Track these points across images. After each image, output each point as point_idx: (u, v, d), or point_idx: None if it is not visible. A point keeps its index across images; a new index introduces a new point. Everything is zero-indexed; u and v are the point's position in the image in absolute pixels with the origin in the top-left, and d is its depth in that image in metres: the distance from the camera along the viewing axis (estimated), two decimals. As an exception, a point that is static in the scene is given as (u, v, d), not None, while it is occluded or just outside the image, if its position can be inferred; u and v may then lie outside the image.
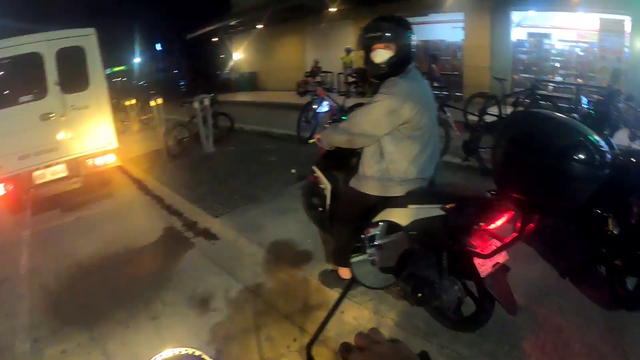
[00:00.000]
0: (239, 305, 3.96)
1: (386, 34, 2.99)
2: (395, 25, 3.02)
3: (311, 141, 3.80)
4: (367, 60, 3.15)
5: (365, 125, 3.08)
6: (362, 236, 1.76)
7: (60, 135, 6.71)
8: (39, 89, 6.51)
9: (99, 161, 7.16)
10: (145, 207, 7.01)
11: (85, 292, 4.46)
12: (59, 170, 6.81)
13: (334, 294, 3.86)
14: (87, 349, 3.54)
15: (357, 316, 3.56)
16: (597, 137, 2.11)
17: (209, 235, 5.51)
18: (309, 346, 1.34)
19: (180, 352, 1.08)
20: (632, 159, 3.39)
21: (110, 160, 7.28)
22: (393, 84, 3.01)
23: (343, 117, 4.29)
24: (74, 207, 7.02)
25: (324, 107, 9.14)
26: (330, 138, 3.46)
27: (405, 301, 3.36)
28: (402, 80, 3.03)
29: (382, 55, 3.03)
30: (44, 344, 3.66)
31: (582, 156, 2.04)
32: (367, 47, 3.11)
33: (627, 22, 10.50)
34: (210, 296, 4.14)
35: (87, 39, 6.79)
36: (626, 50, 10.74)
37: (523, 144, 2.22)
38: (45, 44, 6.39)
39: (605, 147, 2.10)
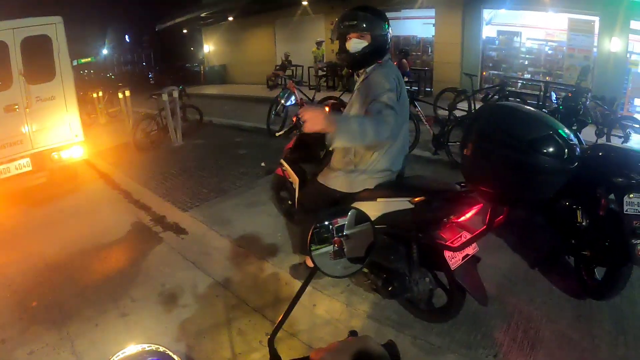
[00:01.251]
0: (209, 300, 3.92)
1: (361, 24, 2.98)
2: (371, 15, 3.01)
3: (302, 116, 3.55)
4: (342, 49, 3.14)
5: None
6: (324, 225, 1.73)
7: (25, 128, 6.49)
8: (3, 79, 6.27)
9: (65, 155, 6.96)
10: (113, 201, 6.87)
11: (52, 290, 4.33)
12: (24, 165, 6.60)
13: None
14: (56, 349, 3.44)
15: (328, 309, 3.56)
16: (566, 131, 2.13)
17: (178, 229, 5.44)
18: (271, 338, 1.32)
19: (144, 348, 1.06)
20: (599, 153, 3.46)
21: (76, 153, 7.09)
22: (385, 65, 3.03)
23: None
24: (40, 203, 6.84)
25: (291, 100, 9.14)
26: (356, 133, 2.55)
27: (377, 293, 3.38)
28: (383, 67, 3.03)
29: (356, 44, 3.01)
30: (12, 344, 3.54)
31: (551, 149, 2.06)
32: (342, 35, 3.10)
33: (597, 22, 10.72)
34: (180, 291, 4.08)
35: (53, 27, 6.59)
36: (594, 49, 10.97)
37: (492, 136, 2.23)
38: (10, 32, 6.16)
39: (575, 141, 2.13)
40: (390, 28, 3.07)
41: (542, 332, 3.20)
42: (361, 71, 3.16)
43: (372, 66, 3.06)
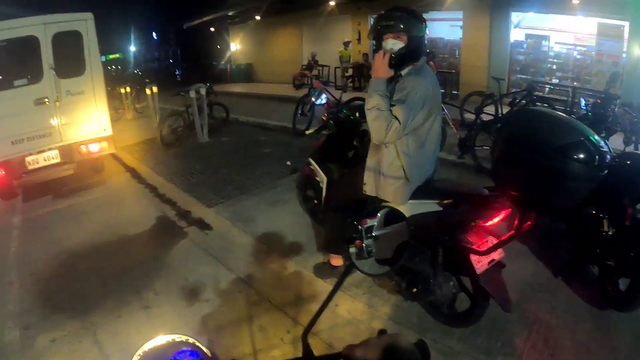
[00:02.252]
0: (231, 296, 3.95)
1: (399, 24, 2.95)
2: (407, 15, 2.98)
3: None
4: (378, 49, 3.09)
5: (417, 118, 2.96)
6: (359, 227, 1.77)
7: (54, 121, 6.63)
8: (34, 73, 6.42)
9: (93, 148, 7.09)
10: (138, 195, 6.97)
11: (76, 279, 4.43)
12: (52, 156, 6.74)
13: (327, 286, 3.86)
14: (78, 338, 3.51)
15: (350, 309, 3.56)
16: (597, 138, 2.11)
17: (202, 225, 5.49)
18: (305, 334, 1.33)
19: (174, 339, 1.07)
20: (627, 162, 3.41)
21: (103, 147, 7.21)
22: (421, 70, 3.03)
23: (345, 111, 4.23)
24: (66, 194, 6.98)
25: (322, 99, 9.12)
26: (374, 101, 2.88)
27: (399, 295, 3.37)
28: (421, 70, 3.03)
29: (392, 45, 2.98)
30: (34, 331, 3.63)
31: (582, 156, 2.04)
32: (378, 36, 3.07)
33: (626, 27, 10.52)
34: (202, 286, 4.12)
35: (84, 23, 6.70)
36: (624, 55, 10.77)
37: (523, 141, 2.21)
38: (42, 28, 6.30)
39: (605, 148, 2.11)
40: (427, 30, 3.04)
41: (562, 341, 3.16)
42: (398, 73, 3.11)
43: (408, 69, 3.04)
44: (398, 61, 3.00)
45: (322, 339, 3.19)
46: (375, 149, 3.22)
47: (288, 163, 7.50)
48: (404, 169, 3.06)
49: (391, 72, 2.97)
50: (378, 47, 3.09)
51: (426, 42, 3.07)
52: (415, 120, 2.90)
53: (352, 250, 1.57)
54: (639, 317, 3.33)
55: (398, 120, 2.78)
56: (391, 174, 3.10)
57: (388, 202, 3.14)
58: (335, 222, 3.63)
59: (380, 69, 2.93)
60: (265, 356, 3.16)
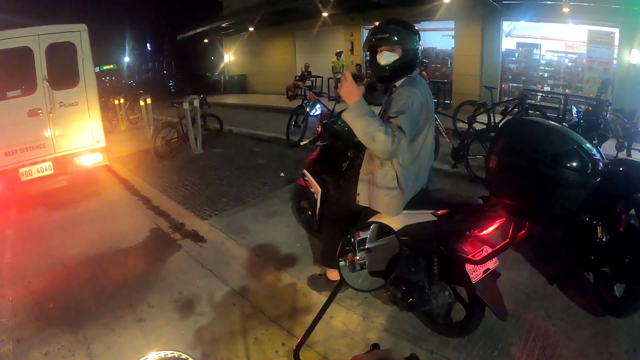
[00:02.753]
0: (226, 309, 3.93)
1: (393, 37, 2.99)
2: (402, 28, 3.02)
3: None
4: (373, 62, 3.14)
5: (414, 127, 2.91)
6: (352, 239, 1.75)
7: (48, 132, 6.61)
8: (27, 84, 6.41)
9: (86, 160, 7.07)
10: (131, 207, 6.93)
11: (70, 292, 4.38)
12: (45, 168, 6.71)
13: (322, 298, 3.84)
14: (72, 351, 3.48)
15: (345, 321, 3.55)
16: (589, 146, 2.12)
17: (196, 237, 5.46)
18: (297, 350, 1.32)
19: (166, 354, 1.06)
20: (620, 168, 3.43)
21: (97, 159, 7.19)
22: (414, 81, 3.04)
23: (339, 122, 4.21)
24: (60, 206, 6.93)
25: (316, 110, 9.13)
26: (365, 125, 2.73)
27: (394, 306, 3.36)
28: (415, 81, 3.05)
29: (387, 57, 3.02)
30: (27, 344, 3.59)
31: (575, 164, 2.05)
32: (373, 48, 3.11)
33: (617, 34, 10.63)
34: (197, 299, 4.09)
35: (78, 35, 6.71)
36: (615, 61, 10.87)
37: (517, 150, 2.22)
38: (36, 39, 6.30)
39: (598, 156, 2.12)
40: (421, 41, 3.08)
41: (559, 348, 3.15)
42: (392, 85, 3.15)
43: (402, 80, 3.07)
44: (393, 73, 3.04)
45: (317, 351, 3.18)
46: (369, 160, 3.23)
47: (282, 174, 7.50)
48: (398, 180, 3.06)
49: (362, 90, 2.80)
50: (372, 59, 3.13)
51: (420, 53, 3.10)
52: (417, 129, 2.91)
53: (343, 263, 1.56)
54: (636, 323, 3.35)
55: (402, 130, 2.72)
56: (385, 184, 3.09)
57: (379, 213, 3.14)
58: (331, 236, 3.61)
59: (352, 92, 2.70)
60: (260, 369, 3.14)
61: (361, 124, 2.68)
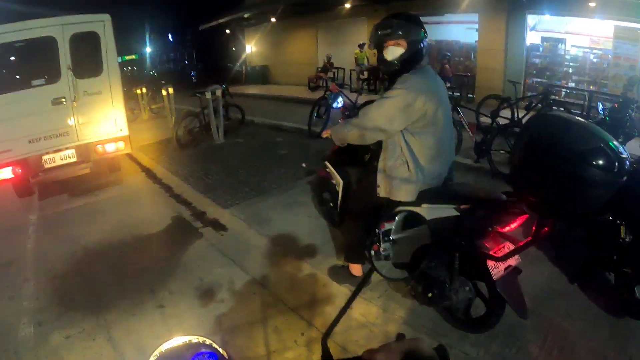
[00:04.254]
0: (246, 297, 3.96)
1: (396, 31, 3.04)
2: (405, 22, 3.06)
3: (324, 135, 3.80)
4: (380, 57, 3.20)
5: (378, 120, 3.08)
6: (377, 230, 1.77)
7: (71, 121, 6.70)
8: (51, 73, 6.50)
9: (109, 148, 7.15)
10: (154, 195, 7.03)
11: (91, 278, 4.47)
12: (69, 155, 6.81)
13: (342, 289, 3.86)
14: (92, 335, 3.55)
15: (365, 313, 3.56)
16: (616, 143, 2.09)
17: (217, 225, 5.52)
18: (324, 339, 1.33)
19: (191, 340, 1.07)
20: (645, 168, 3.37)
21: (120, 147, 7.27)
22: (406, 78, 3.05)
23: None
24: (82, 193, 7.05)
25: (338, 102, 9.12)
26: (342, 133, 3.45)
27: (414, 299, 3.37)
28: (415, 75, 3.06)
29: (393, 52, 3.08)
30: (49, 328, 3.67)
31: (601, 162, 2.03)
32: (379, 44, 3.16)
33: (644, 30, 10.41)
34: (217, 287, 4.14)
35: (101, 24, 6.77)
36: (641, 58, 10.66)
37: (542, 147, 2.20)
38: (60, 29, 6.37)
39: (625, 154, 2.09)
40: (426, 33, 3.11)
41: (577, 348, 3.13)
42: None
43: (409, 72, 3.09)
44: (401, 67, 3.10)
45: (336, 341, 3.19)
46: (384, 151, 3.29)
47: (303, 165, 7.51)
48: (409, 167, 3.12)
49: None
50: (380, 56, 3.20)
51: (425, 45, 3.12)
52: (384, 122, 3.03)
53: (373, 253, 1.59)
54: (656, 325, 3.31)
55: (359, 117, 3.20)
56: (397, 169, 3.17)
57: (402, 202, 3.15)
58: (355, 231, 3.61)
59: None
60: (279, 358, 3.16)
61: (341, 132, 3.43)
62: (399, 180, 3.17)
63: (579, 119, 2.34)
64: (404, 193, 3.16)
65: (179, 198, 6.64)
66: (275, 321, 3.55)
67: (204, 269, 4.48)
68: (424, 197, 3.14)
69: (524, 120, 8.27)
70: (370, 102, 3.51)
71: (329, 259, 4.44)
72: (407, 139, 3.11)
